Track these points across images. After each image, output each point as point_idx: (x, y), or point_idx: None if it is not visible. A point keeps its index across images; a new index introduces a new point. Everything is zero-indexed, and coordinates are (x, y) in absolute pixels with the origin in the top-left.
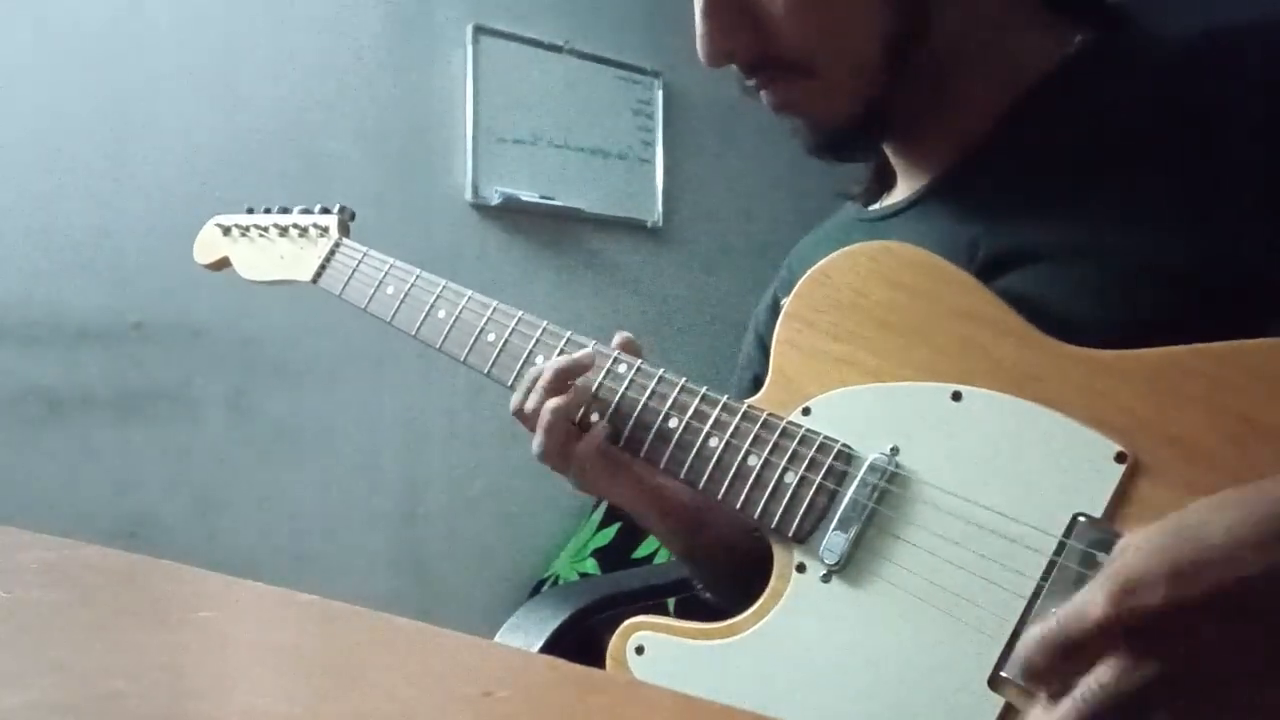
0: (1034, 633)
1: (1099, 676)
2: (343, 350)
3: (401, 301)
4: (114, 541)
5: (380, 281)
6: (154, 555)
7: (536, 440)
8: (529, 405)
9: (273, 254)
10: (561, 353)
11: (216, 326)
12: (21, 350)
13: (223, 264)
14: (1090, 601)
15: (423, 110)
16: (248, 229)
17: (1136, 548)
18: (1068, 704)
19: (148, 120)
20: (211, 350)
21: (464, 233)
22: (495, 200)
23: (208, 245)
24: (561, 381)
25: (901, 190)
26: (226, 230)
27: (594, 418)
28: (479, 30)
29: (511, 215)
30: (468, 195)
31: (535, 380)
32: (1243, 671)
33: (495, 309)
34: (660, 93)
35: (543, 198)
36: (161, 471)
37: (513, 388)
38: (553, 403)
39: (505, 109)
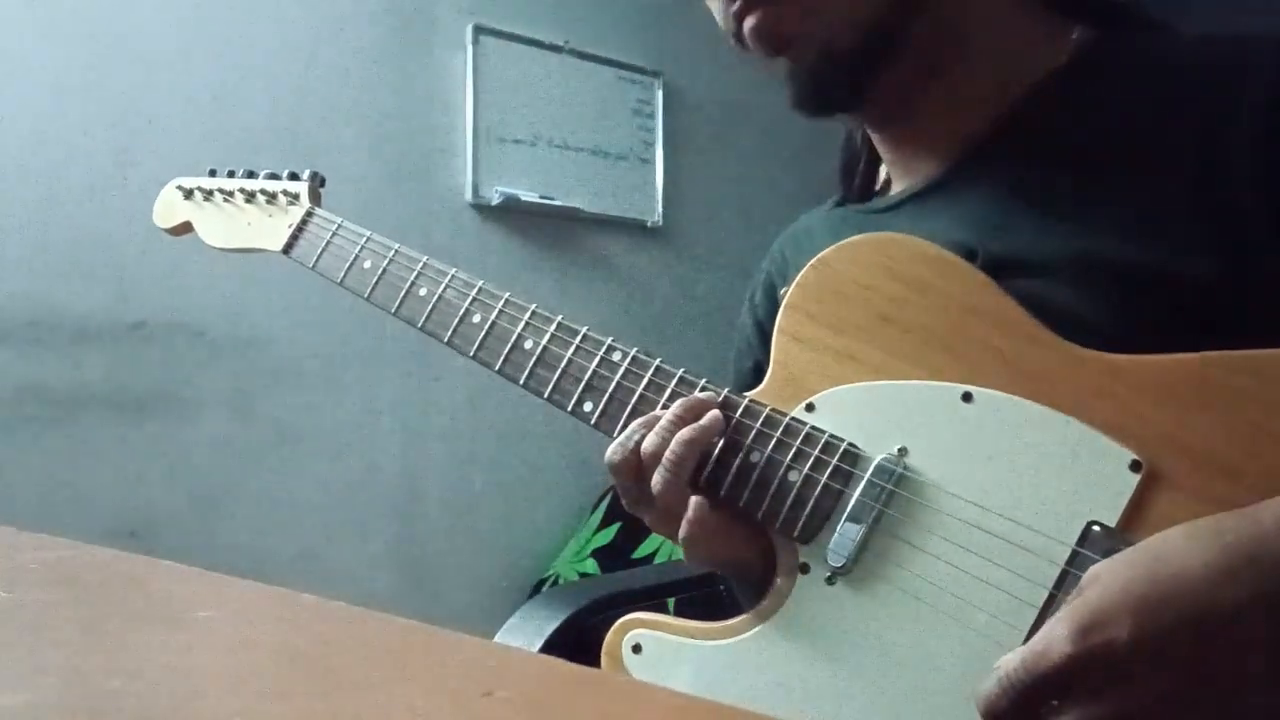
0: (996, 674)
1: (1064, 716)
2: (343, 350)
3: (379, 277)
4: (114, 541)
5: (356, 255)
6: (154, 555)
7: (659, 479)
8: (650, 445)
9: (239, 221)
10: (553, 338)
11: (216, 326)
12: (21, 350)
13: (184, 229)
14: (1054, 638)
15: (423, 110)
16: (211, 193)
17: (1103, 581)
18: None
19: (148, 120)
20: (211, 350)
21: (464, 233)
22: (495, 200)
23: (168, 208)
24: (692, 416)
25: (896, 185)
26: (189, 193)
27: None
28: (479, 30)
29: (511, 215)
30: (468, 195)
31: (650, 421)
32: (1208, 707)
33: (480, 289)
34: (660, 93)
35: (543, 198)
36: (161, 471)
37: (521, 382)
38: (684, 434)
39: (505, 109)
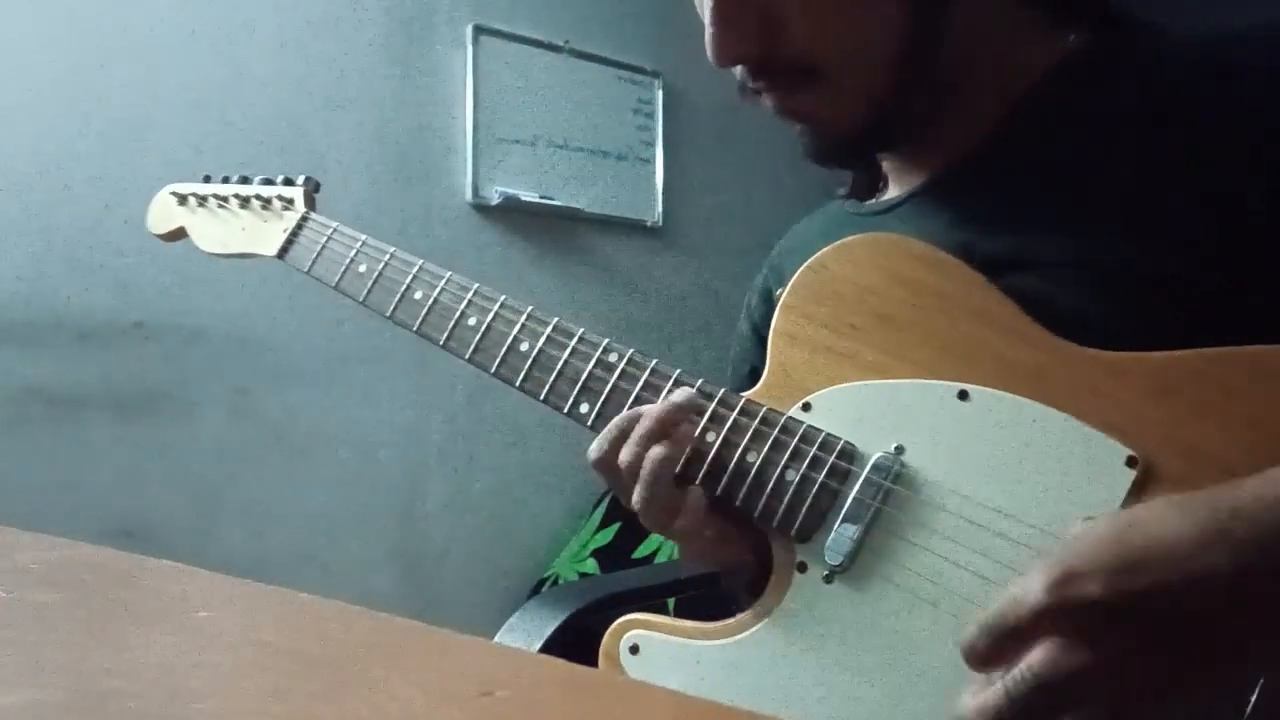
0: (977, 617)
1: (1030, 662)
2: (342, 351)
3: (375, 281)
4: (114, 541)
5: (351, 259)
6: (154, 555)
7: (638, 495)
8: (625, 457)
9: (234, 226)
10: (549, 340)
11: (216, 326)
12: (21, 350)
13: (178, 235)
14: (1029, 589)
15: (423, 110)
16: (206, 199)
17: (1083, 538)
18: (998, 686)
19: (148, 120)
20: (211, 350)
21: (464, 233)
22: (495, 200)
23: (162, 214)
24: (665, 429)
25: (894, 189)
26: (183, 199)
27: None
28: (479, 30)
29: (511, 215)
30: (468, 195)
31: (625, 428)
32: (1170, 668)
33: (476, 292)
34: (660, 93)
35: (543, 198)
36: (161, 471)
37: (517, 385)
38: (656, 451)
39: (505, 109)
